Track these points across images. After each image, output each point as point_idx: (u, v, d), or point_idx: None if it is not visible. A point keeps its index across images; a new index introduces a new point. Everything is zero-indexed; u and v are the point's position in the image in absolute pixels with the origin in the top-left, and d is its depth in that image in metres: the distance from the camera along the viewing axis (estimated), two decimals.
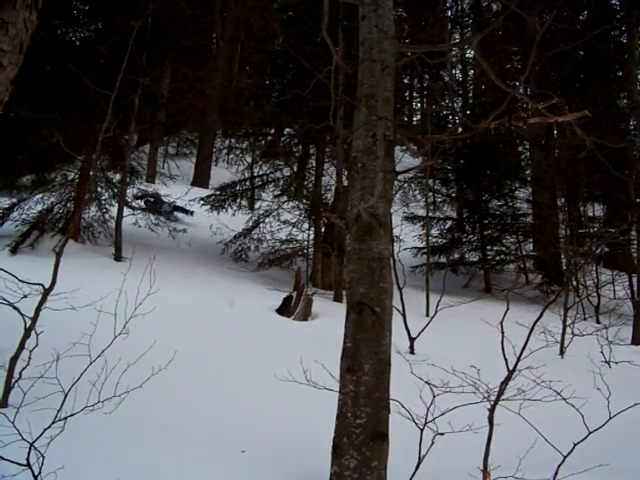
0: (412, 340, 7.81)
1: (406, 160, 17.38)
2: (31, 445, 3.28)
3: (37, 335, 4.57)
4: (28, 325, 4.79)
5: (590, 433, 3.77)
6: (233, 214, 13.72)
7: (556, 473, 3.71)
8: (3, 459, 3.24)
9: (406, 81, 25.98)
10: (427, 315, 9.63)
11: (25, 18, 3.03)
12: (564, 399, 4.21)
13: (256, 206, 14.16)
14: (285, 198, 13.42)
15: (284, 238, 13.32)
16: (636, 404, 3.94)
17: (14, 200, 11.07)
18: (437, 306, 8.62)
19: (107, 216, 11.74)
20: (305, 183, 13.69)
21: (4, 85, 3.01)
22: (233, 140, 17.29)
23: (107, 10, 11.14)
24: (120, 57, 9.78)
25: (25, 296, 4.95)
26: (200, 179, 21.75)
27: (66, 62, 10.06)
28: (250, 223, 13.47)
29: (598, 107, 14.28)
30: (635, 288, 12.60)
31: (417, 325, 7.94)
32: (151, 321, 5.95)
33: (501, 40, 17.13)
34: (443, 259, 14.57)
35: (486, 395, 4.08)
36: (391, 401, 3.73)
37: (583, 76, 17.06)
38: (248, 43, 25.06)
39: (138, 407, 4.75)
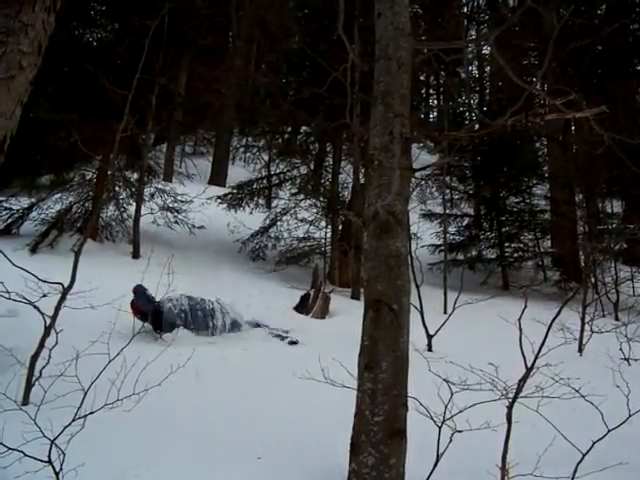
0: (430, 337, 7.80)
1: (423, 157, 17.28)
2: (52, 442, 3.32)
3: (57, 334, 4.62)
4: (48, 324, 4.83)
5: (609, 431, 3.76)
6: (250, 212, 13.74)
7: (575, 471, 3.69)
8: (26, 455, 3.27)
9: (422, 78, 25.89)
10: (445, 312, 9.60)
11: (44, 20, 3.07)
12: (583, 397, 4.19)
13: (273, 204, 14.18)
14: (302, 196, 13.42)
15: (301, 236, 13.33)
16: None
17: (33, 200, 11.15)
18: (455, 303, 8.59)
19: (125, 215, 11.80)
20: (322, 181, 13.68)
21: (24, 86, 3.04)
22: (250, 138, 17.32)
23: (124, 10, 11.22)
24: (137, 57, 9.83)
25: (45, 295, 5.00)
26: (217, 178, 21.79)
27: (84, 63, 10.14)
28: (267, 221, 13.48)
29: (616, 102, 14.15)
30: None
31: (435, 322, 7.93)
32: None
33: (518, 36, 17.00)
34: (461, 256, 14.51)
35: (504, 393, 4.07)
36: (409, 398, 3.73)
37: (601, 71, 16.90)
38: (264, 41, 25.06)
39: (157, 405, 4.79)
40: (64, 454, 3.33)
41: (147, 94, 10.65)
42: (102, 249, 10.70)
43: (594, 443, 3.73)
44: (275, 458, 4.35)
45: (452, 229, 15.08)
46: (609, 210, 16.61)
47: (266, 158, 16.19)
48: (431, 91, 31.37)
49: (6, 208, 10.99)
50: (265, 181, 14.21)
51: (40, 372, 4.43)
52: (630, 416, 3.82)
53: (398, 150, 4.05)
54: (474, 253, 14.94)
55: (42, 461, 3.28)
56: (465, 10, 26.34)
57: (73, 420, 3.58)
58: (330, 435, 4.14)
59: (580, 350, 8.08)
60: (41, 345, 4.77)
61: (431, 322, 7.88)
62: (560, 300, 9.43)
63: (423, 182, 15.61)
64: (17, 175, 10.40)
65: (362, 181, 10.86)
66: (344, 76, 8.40)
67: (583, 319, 8.32)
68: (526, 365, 4.19)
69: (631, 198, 15.35)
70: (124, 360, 4.36)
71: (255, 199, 13.77)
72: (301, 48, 13.01)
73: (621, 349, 6.86)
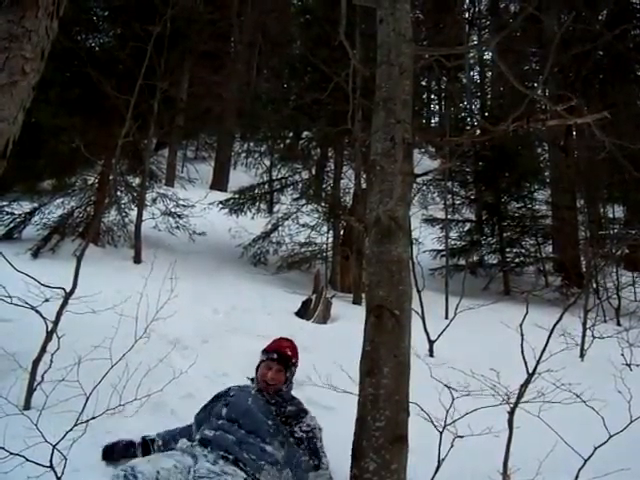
0: (431, 343, 7.79)
1: (425, 162, 17.32)
2: (54, 447, 3.32)
3: (59, 338, 4.61)
4: (50, 328, 4.83)
5: (611, 437, 3.75)
6: (252, 217, 13.76)
7: (577, 477, 3.69)
8: (27, 460, 3.28)
9: (424, 83, 25.96)
10: (446, 318, 9.59)
11: (46, 26, 3.10)
12: (584, 402, 4.19)
13: (275, 209, 14.20)
14: (304, 201, 13.44)
15: (303, 241, 13.35)
16: None
17: (35, 204, 11.17)
18: (456, 309, 8.58)
19: (127, 220, 11.81)
20: (324, 186, 13.71)
21: (26, 91, 3.07)
22: (251, 143, 17.37)
23: (126, 16, 11.25)
24: (139, 62, 9.86)
25: (47, 300, 5.00)
26: (219, 183, 21.86)
27: (86, 68, 10.16)
28: (269, 226, 13.50)
29: (618, 108, 14.18)
30: None
31: (436, 328, 7.92)
32: (172, 324, 5.99)
33: (519, 41, 17.07)
34: (462, 261, 14.50)
35: (506, 398, 4.07)
36: (410, 404, 3.73)
37: (602, 77, 16.95)
38: (266, 47, 25.18)
39: (159, 410, 4.79)
40: (66, 459, 3.33)
41: (149, 99, 10.67)
42: (104, 254, 10.69)
43: (596, 449, 3.72)
44: None
45: (454, 234, 15.08)
46: (610, 215, 16.63)
47: (268, 163, 16.22)
48: (433, 96, 31.42)
49: (8, 212, 10.99)
50: (267, 186, 14.24)
51: (42, 377, 4.43)
52: (632, 422, 3.82)
53: (400, 155, 4.06)
54: (476, 258, 14.96)
55: (44, 466, 3.28)
56: (466, 16, 26.40)
57: (75, 425, 3.59)
58: (331, 440, 4.13)
59: (582, 355, 8.06)
60: (43, 350, 4.77)
61: (432, 327, 7.87)
62: (562, 305, 9.44)
63: (425, 187, 15.68)
64: (19, 180, 10.40)
65: (364, 186, 10.88)
66: (346, 82, 8.46)
67: (585, 324, 8.30)
68: (527, 370, 4.19)
69: (633, 203, 15.37)
70: (126, 365, 4.37)
71: (257, 204, 13.80)
72: (303, 53, 13.07)
73: (623, 354, 6.84)
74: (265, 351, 4.44)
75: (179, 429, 4.29)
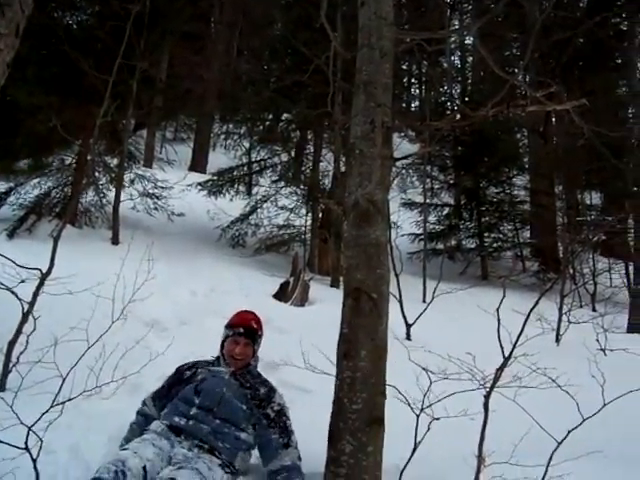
0: (409, 326, 7.83)
1: (404, 147, 17.35)
2: (29, 429, 3.30)
3: (35, 320, 4.58)
4: (26, 310, 4.80)
5: (584, 420, 3.79)
6: (230, 199, 13.72)
7: (550, 459, 3.73)
8: (2, 442, 3.25)
9: (404, 67, 25.90)
10: (424, 301, 9.65)
11: (21, 1, 3.03)
12: (559, 386, 4.22)
13: (253, 191, 14.15)
14: (283, 183, 13.42)
15: (281, 223, 13.35)
16: (630, 392, 3.95)
17: (11, 184, 11.03)
18: (434, 292, 8.63)
19: (104, 201, 11.71)
20: (303, 169, 13.69)
21: (1, 68, 3.00)
22: (231, 125, 17.27)
23: None
24: (118, 41, 9.71)
25: (23, 281, 4.96)
26: (198, 164, 21.74)
27: (63, 46, 9.99)
28: (247, 208, 13.47)
29: (597, 95, 14.27)
30: (631, 276, 12.64)
31: (414, 311, 7.96)
32: (150, 306, 5.97)
33: (500, 27, 17.08)
34: (440, 246, 14.59)
35: (482, 382, 4.09)
36: (387, 387, 3.74)
37: (582, 64, 17.03)
38: (246, 28, 24.93)
39: (136, 392, 4.78)
40: (42, 441, 3.32)
41: (128, 79, 10.54)
42: (81, 235, 10.60)
43: (569, 432, 3.76)
44: None
45: (432, 218, 15.17)
46: (588, 202, 16.77)
47: (247, 145, 16.13)
48: (413, 80, 31.38)
49: None
50: (245, 168, 14.18)
51: (17, 358, 4.40)
52: (604, 405, 3.86)
53: (379, 139, 4.05)
54: (454, 243, 15.05)
55: (19, 448, 3.26)
56: (448, 0, 26.31)
57: (51, 407, 3.56)
58: (308, 422, 4.15)
59: (557, 340, 8.15)
60: (19, 331, 4.74)
61: (410, 311, 7.91)
62: (538, 290, 9.50)
63: (404, 171, 15.74)
64: None
65: (343, 169, 10.87)
66: (326, 64, 8.40)
67: (561, 309, 8.39)
68: (504, 355, 4.21)
69: (610, 190, 15.50)
70: (103, 347, 4.35)
71: (235, 186, 13.76)
72: (283, 35, 12.97)
73: (597, 340, 6.92)
74: (230, 326, 4.30)
75: (138, 428, 4.05)
